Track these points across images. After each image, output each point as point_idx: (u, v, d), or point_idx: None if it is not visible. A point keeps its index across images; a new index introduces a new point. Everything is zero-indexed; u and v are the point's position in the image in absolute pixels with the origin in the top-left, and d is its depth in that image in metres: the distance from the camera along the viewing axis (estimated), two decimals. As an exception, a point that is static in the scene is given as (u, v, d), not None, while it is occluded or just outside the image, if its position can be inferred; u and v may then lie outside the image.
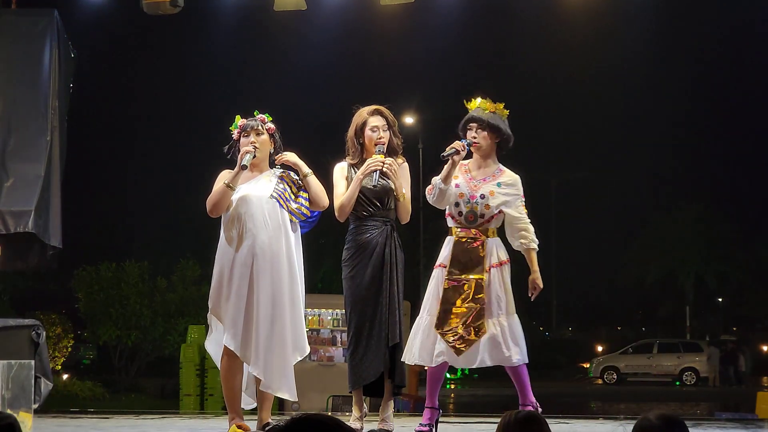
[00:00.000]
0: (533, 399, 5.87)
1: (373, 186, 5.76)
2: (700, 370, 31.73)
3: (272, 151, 5.74)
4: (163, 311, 20.74)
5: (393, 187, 5.83)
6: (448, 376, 38.35)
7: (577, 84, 38.15)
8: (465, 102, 5.98)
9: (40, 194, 7.65)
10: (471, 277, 5.69)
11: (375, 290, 5.73)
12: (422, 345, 5.73)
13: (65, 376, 21.02)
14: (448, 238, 5.85)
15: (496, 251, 5.76)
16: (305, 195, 5.71)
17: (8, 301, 21.69)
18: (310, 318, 15.89)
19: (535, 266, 5.85)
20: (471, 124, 5.86)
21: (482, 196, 5.76)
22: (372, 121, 5.85)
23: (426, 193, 5.90)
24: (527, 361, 5.80)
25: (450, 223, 5.87)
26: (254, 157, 5.60)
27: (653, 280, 37.83)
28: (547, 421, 2.90)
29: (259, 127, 5.69)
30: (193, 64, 34.94)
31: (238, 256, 5.53)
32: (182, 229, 28.00)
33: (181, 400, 15.92)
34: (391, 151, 5.89)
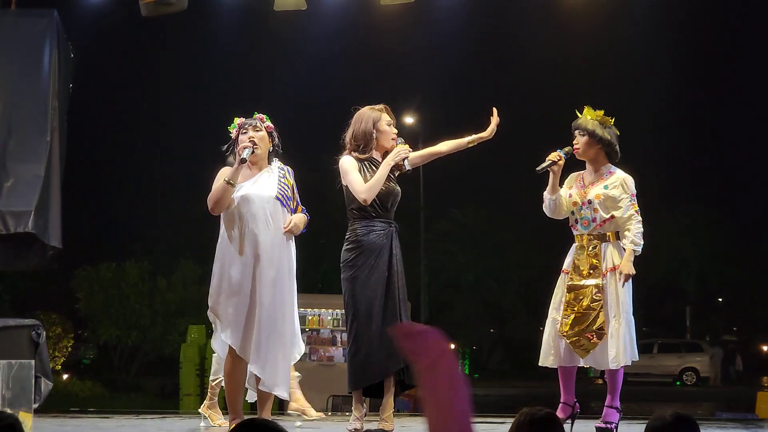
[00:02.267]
0: (618, 404, 5.97)
1: (388, 182, 5.80)
2: (700, 370, 31.73)
3: (271, 149, 5.77)
4: (163, 311, 20.76)
5: (398, 190, 5.91)
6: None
7: (578, 84, 38.15)
8: (576, 112, 6.18)
9: (40, 194, 7.65)
10: (589, 282, 5.87)
11: (382, 292, 5.73)
12: (552, 349, 5.96)
13: (65, 376, 21.03)
14: (573, 245, 6.08)
15: (611, 256, 5.90)
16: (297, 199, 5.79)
17: (8, 301, 21.70)
18: (310, 318, 15.89)
19: (627, 258, 5.85)
20: (574, 132, 6.14)
21: (589, 201, 5.96)
22: (386, 117, 5.97)
23: (543, 209, 6.14)
24: (628, 363, 5.89)
25: (573, 231, 6.11)
26: (253, 152, 5.61)
27: (654, 280, 37.83)
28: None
29: (258, 124, 5.73)
30: (193, 64, 34.94)
31: (240, 256, 5.54)
32: (182, 229, 28.01)
33: (181, 400, 15.92)
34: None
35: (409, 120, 30.63)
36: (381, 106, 5.99)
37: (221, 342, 5.69)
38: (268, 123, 5.79)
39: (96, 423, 7.56)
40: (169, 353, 20.68)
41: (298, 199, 5.78)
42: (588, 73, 36.74)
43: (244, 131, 5.72)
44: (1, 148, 7.77)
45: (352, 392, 5.88)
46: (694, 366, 31.75)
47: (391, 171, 5.88)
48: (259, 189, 5.65)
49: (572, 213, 6.05)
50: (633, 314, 5.97)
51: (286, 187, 5.70)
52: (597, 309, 5.82)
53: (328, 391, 14.15)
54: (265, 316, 5.50)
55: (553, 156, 6.03)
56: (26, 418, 5.89)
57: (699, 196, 39.13)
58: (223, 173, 5.69)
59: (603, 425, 5.89)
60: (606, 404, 5.97)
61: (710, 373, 31.94)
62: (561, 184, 6.10)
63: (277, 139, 5.81)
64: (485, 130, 6.05)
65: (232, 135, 5.81)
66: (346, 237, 5.89)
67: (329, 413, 12.40)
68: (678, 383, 31.16)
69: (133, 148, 34.73)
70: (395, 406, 6.07)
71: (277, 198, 5.63)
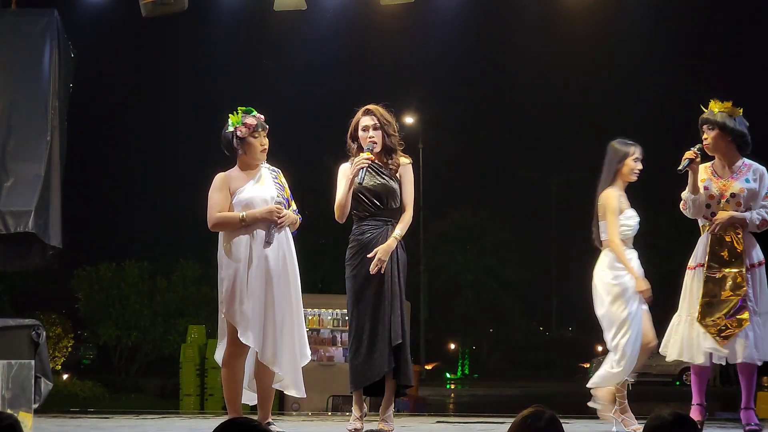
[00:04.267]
0: (752, 404, 5.95)
1: (369, 182, 5.77)
2: (700, 370, 31.70)
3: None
4: (163, 311, 20.75)
5: (394, 186, 5.84)
6: (447, 376, 38.48)
7: (578, 83, 38.15)
8: (702, 107, 6.09)
9: (40, 194, 7.64)
10: (732, 270, 5.80)
11: (376, 290, 5.72)
12: (685, 343, 5.92)
13: (65, 376, 21.03)
14: (700, 238, 5.98)
15: (753, 249, 5.86)
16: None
17: (8, 301, 21.68)
18: (310, 318, 15.89)
19: (729, 216, 5.81)
20: (702, 127, 6.01)
21: (732, 195, 5.89)
22: (363, 121, 5.88)
23: (681, 209, 6.05)
24: (758, 363, 5.85)
25: (701, 222, 6.01)
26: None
27: (653, 280, 37.82)
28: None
29: (261, 128, 5.77)
30: (193, 64, 34.91)
31: (251, 260, 5.55)
32: (182, 229, 28.00)
33: (181, 400, 15.94)
34: (388, 150, 5.87)
35: (409, 120, 30.65)
36: (364, 108, 5.92)
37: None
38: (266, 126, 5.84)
39: (96, 423, 7.56)
40: (169, 353, 20.67)
41: (291, 203, 5.81)
42: (587, 74, 36.74)
43: (256, 135, 5.71)
44: (1, 148, 7.77)
45: (352, 392, 5.88)
46: (694, 366, 31.71)
47: (383, 170, 5.83)
48: (261, 190, 5.67)
49: (707, 206, 5.93)
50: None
51: (281, 188, 5.75)
52: (740, 297, 5.77)
53: (328, 391, 14.15)
54: (279, 317, 5.55)
55: (690, 154, 5.88)
56: (26, 418, 5.89)
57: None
58: (219, 181, 5.71)
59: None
60: (742, 406, 5.96)
61: (710, 373, 31.92)
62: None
63: None
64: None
65: (237, 130, 5.75)
66: (349, 237, 5.92)
67: (329, 413, 12.42)
68: (678, 383, 31.15)
69: (133, 148, 34.71)
70: (395, 406, 6.07)
71: (279, 200, 5.67)
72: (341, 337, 15.53)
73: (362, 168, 5.72)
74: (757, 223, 5.80)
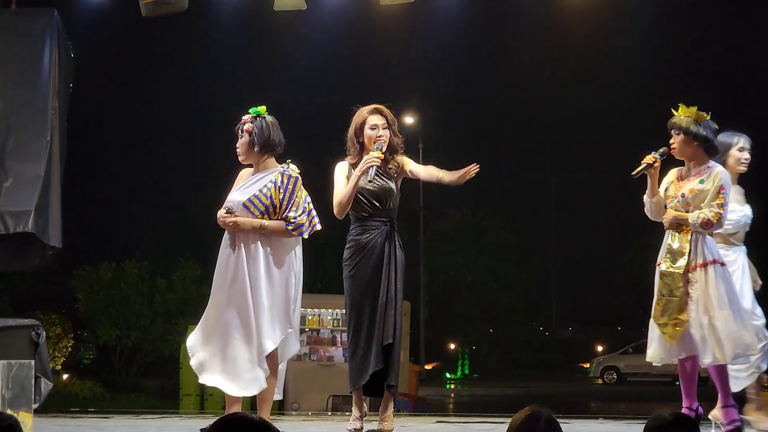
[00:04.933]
0: (730, 401, 5.92)
1: (369, 183, 5.78)
2: (700, 370, 31.71)
3: (257, 149, 5.73)
4: (163, 311, 20.75)
5: (392, 187, 5.85)
6: (447, 376, 38.48)
7: (578, 83, 38.15)
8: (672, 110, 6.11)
9: (40, 194, 7.64)
10: (678, 269, 5.83)
11: (373, 290, 5.74)
12: (657, 344, 5.94)
13: (65, 376, 21.03)
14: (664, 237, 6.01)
15: (701, 249, 5.83)
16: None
17: (8, 301, 21.68)
18: (310, 318, 15.90)
19: (673, 216, 5.87)
20: (671, 131, 6.04)
21: (683, 195, 5.91)
22: (371, 120, 5.87)
23: (645, 212, 6.09)
24: (721, 363, 5.84)
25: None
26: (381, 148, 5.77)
27: (653, 280, 37.82)
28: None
29: (239, 131, 5.80)
30: (193, 64, 34.91)
31: (218, 264, 5.72)
32: (182, 229, 28.00)
33: (181, 400, 15.94)
34: (391, 150, 5.91)
35: (409, 120, 30.64)
36: (372, 107, 5.91)
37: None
38: (249, 125, 5.76)
39: (96, 423, 7.56)
40: (169, 353, 20.66)
41: (289, 209, 5.65)
42: (587, 74, 36.74)
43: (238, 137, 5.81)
44: (1, 148, 7.77)
45: (352, 392, 5.88)
46: (693, 366, 31.73)
47: (383, 171, 5.84)
48: (237, 194, 5.73)
49: (665, 207, 6.00)
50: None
51: (264, 195, 5.66)
52: (681, 297, 5.81)
53: (328, 391, 14.17)
54: (224, 322, 5.63)
55: (648, 158, 5.93)
56: (26, 418, 5.89)
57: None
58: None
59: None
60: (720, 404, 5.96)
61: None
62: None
63: (261, 137, 5.73)
64: (459, 175, 5.87)
65: (243, 120, 5.81)
66: (347, 237, 5.91)
67: (329, 413, 12.42)
68: (677, 383, 31.15)
69: (134, 148, 34.72)
70: (395, 406, 6.07)
71: (245, 204, 5.65)
72: (341, 337, 15.54)
73: (373, 166, 5.74)
74: (699, 222, 5.77)
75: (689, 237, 5.83)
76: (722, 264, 5.86)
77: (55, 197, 7.85)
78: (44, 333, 6.44)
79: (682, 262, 5.83)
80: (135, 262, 21.05)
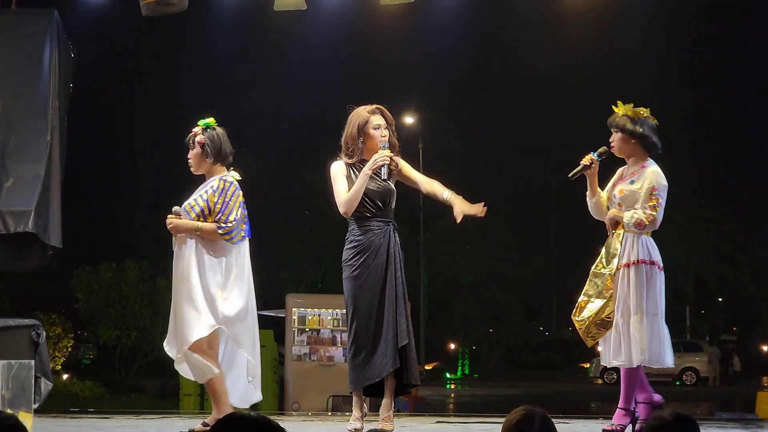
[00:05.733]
0: (628, 404, 5.80)
1: (381, 181, 5.78)
2: (700, 370, 31.75)
3: (211, 160, 5.90)
4: (163, 311, 20.72)
5: (393, 187, 5.86)
6: (447, 375, 38.50)
7: (577, 83, 38.16)
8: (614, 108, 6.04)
9: (40, 194, 7.65)
10: (606, 270, 5.79)
11: (379, 291, 5.72)
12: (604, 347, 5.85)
13: (65, 376, 21.03)
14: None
15: (632, 249, 5.77)
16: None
17: (8, 301, 21.68)
18: (310, 318, 15.90)
19: (612, 214, 5.83)
20: (610, 130, 5.99)
21: (614, 196, 5.89)
22: (374, 120, 5.87)
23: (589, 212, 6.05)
24: (633, 365, 5.73)
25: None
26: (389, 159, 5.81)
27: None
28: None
29: (190, 142, 5.95)
30: (193, 63, 34.94)
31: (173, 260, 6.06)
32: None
33: (181, 400, 15.93)
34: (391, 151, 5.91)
35: (409, 120, 30.65)
36: (372, 107, 5.90)
37: None
38: (200, 136, 5.90)
39: (96, 423, 7.56)
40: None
41: (221, 213, 5.80)
42: (587, 76, 36.76)
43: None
44: (1, 148, 7.77)
45: (352, 392, 5.88)
46: (693, 366, 31.76)
47: (380, 173, 5.84)
48: (187, 200, 5.93)
49: (608, 208, 5.95)
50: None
51: (201, 198, 5.85)
52: (608, 299, 5.76)
53: (328, 391, 14.16)
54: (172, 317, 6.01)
55: (585, 160, 5.91)
56: (26, 418, 5.89)
57: (699, 196, 39.14)
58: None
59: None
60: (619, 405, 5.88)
61: (710, 373, 31.95)
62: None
63: (214, 147, 5.89)
64: (469, 207, 5.79)
65: (193, 136, 5.97)
66: (346, 237, 5.90)
67: (329, 413, 12.42)
68: (677, 383, 31.16)
69: (134, 148, 34.74)
70: (395, 406, 6.07)
71: (185, 208, 5.88)
72: (341, 337, 15.53)
73: (385, 165, 5.76)
74: (632, 222, 5.73)
75: (621, 237, 5.78)
76: (651, 263, 5.74)
77: (55, 197, 7.85)
78: (44, 333, 6.44)
79: (615, 262, 5.77)
80: (135, 262, 21.04)
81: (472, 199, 5.93)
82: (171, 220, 5.90)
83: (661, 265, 5.82)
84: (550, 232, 43.89)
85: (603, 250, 5.87)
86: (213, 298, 5.77)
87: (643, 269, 5.73)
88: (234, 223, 5.79)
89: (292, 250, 37.99)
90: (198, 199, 5.85)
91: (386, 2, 8.47)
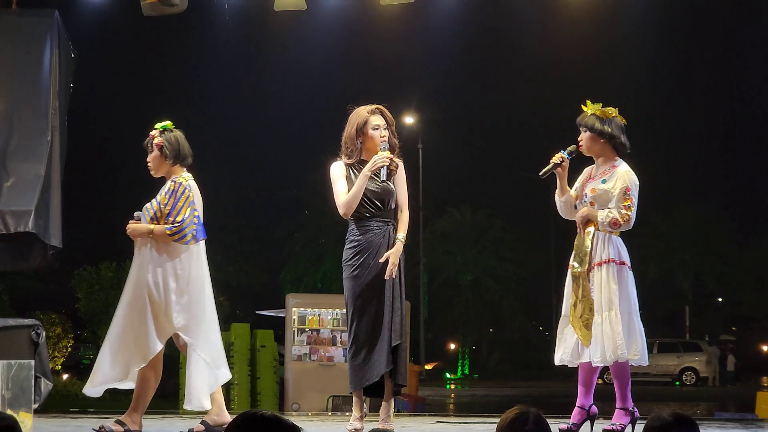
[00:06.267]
0: (625, 404, 5.85)
1: (380, 181, 5.77)
2: (699, 370, 31.75)
3: (170, 162, 5.95)
4: (162, 311, 20.75)
5: (392, 188, 5.84)
6: (447, 376, 38.51)
7: (577, 83, 38.15)
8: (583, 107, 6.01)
9: (40, 194, 7.65)
10: (583, 269, 5.78)
11: (378, 291, 5.72)
12: (566, 345, 5.82)
13: (65, 376, 21.03)
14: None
15: (602, 247, 5.76)
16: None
17: (8, 301, 21.68)
18: (310, 318, 15.90)
19: (585, 212, 5.79)
20: (579, 129, 5.95)
21: (585, 195, 5.85)
22: (373, 120, 5.86)
23: (558, 210, 6.04)
24: (602, 366, 5.79)
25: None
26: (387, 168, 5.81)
27: (652, 280, 37.86)
28: (548, 421, 2.89)
29: (148, 146, 6.01)
30: (193, 63, 34.93)
31: None
32: (182, 229, 27.96)
33: (181, 400, 15.91)
34: (391, 151, 5.90)
35: (409, 120, 30.65)
36: (373, 107, 5.89)
37: None
38: (158, 139, 5.95)
39: (96, 423, 7.55)
40: (168, 353, 20.65)
41: (171, 214, 5.84)
42: (586, 72, 36.74)
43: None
44: (2, 148, 7.78)
45: (352, 392, 5.88)
46: (693, 366, 31.77)
47: (380, 174, 5.83)
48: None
49: (575, 207, 5.93)
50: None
51: (156, 201, 5.90)
52: (588, 298, 5.75)
53: (328, 391, 14.15)
54: (115, 323, 6.18)
55: (556, 158, 5.86)
56: (26, 418, 5.89)
57: (697, 195, 39.18)
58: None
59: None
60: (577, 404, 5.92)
61: (709, 373, 31.96)
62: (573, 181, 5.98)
63: (172, 150, 5.94)
64: (390, 253, 5.75)
65: (150, 140, 6.02)
66: (346, 237, 5.90)
67: (329, 413, 12.42)
68: (677, 383, 31.17)
69: (133, 148, 34.71)
70: (395, 406, 6.07)
71: (142, 211, 5.94)
72: (341, 337, 15.53)
73: (384, 166, 5.75)
74: (607, 222, 5.71)
75: (592, 235, 5.76)
76: (621, 263, 5.75)
77: (56, 197, 7.86)
78: (44, 333, 6.45)
79: (586, 261, 5.77)
80: (135, 262, 21.03)
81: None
82: (129, 225, 5.96)
83: (630, 264, 5.84)
84: (549, 232, 43.85)
85: (574, 250, 5.85)
86: (168, 304, 5.89)
87: (614, 269, 5.74)
88: (182, 223, 5.79)
89: (292, 250, 38.03)
90: (153, 201, 5.90)
91: (386, 2, 8.47)
